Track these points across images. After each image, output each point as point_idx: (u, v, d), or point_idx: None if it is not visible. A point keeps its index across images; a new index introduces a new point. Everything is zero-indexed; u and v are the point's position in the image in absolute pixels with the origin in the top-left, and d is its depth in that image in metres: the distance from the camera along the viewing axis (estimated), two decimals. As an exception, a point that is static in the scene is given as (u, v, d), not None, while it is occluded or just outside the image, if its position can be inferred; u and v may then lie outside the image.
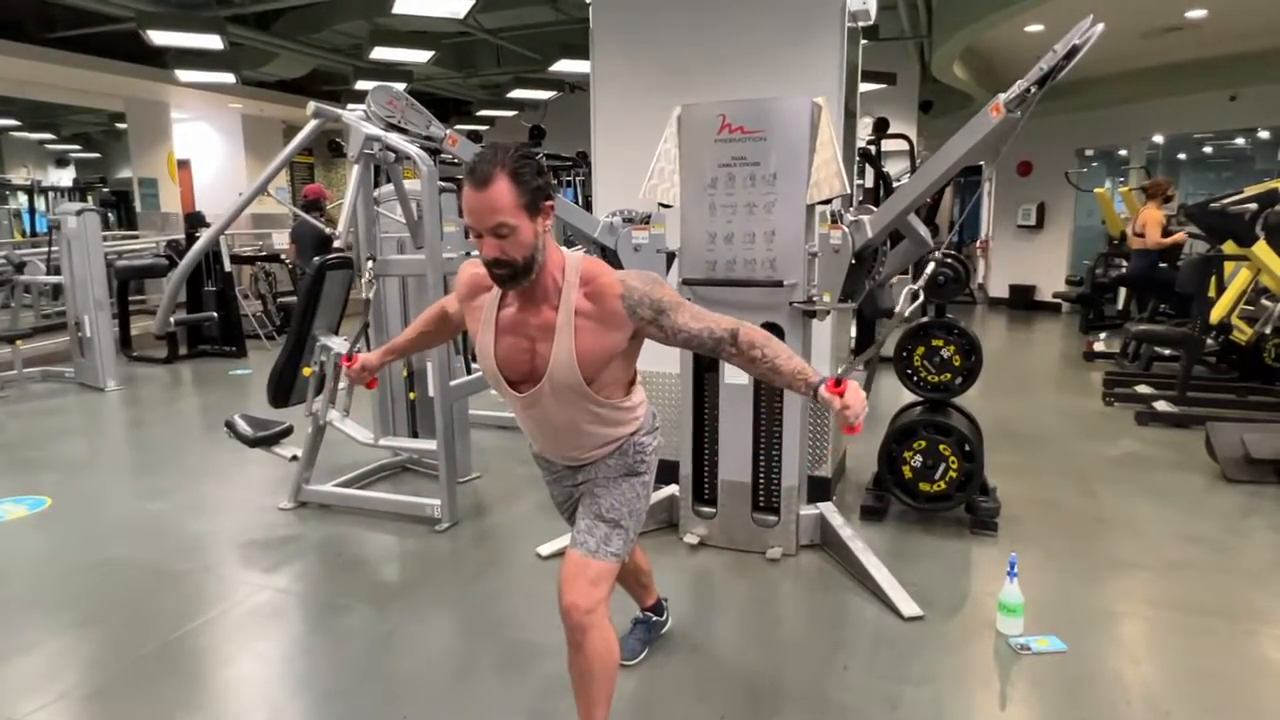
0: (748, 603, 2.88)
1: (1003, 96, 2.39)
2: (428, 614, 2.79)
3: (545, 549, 3.19)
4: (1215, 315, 5.18)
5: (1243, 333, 5.42)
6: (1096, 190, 8.90)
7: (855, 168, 4.03)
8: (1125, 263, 7.99)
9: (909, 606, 2.69)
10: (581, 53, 6.83)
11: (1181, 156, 10.65)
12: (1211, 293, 5.28)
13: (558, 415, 1.79)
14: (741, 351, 1.69)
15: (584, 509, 1.88)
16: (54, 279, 6.82)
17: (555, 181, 9.76)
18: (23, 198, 13.73)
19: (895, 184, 6.60)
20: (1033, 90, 2.32)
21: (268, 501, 3.81)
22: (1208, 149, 10.78)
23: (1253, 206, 5.09)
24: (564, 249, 1.75)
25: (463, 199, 1.61)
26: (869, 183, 6.78)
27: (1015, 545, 3.09)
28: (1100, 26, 2.16)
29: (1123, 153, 10.31)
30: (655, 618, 2.51)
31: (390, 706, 2.25)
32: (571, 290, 1.68)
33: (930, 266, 2.20)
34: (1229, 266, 5.33)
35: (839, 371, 1.62)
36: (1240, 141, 10.20)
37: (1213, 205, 5.33)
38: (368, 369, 2.17)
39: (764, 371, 1.70)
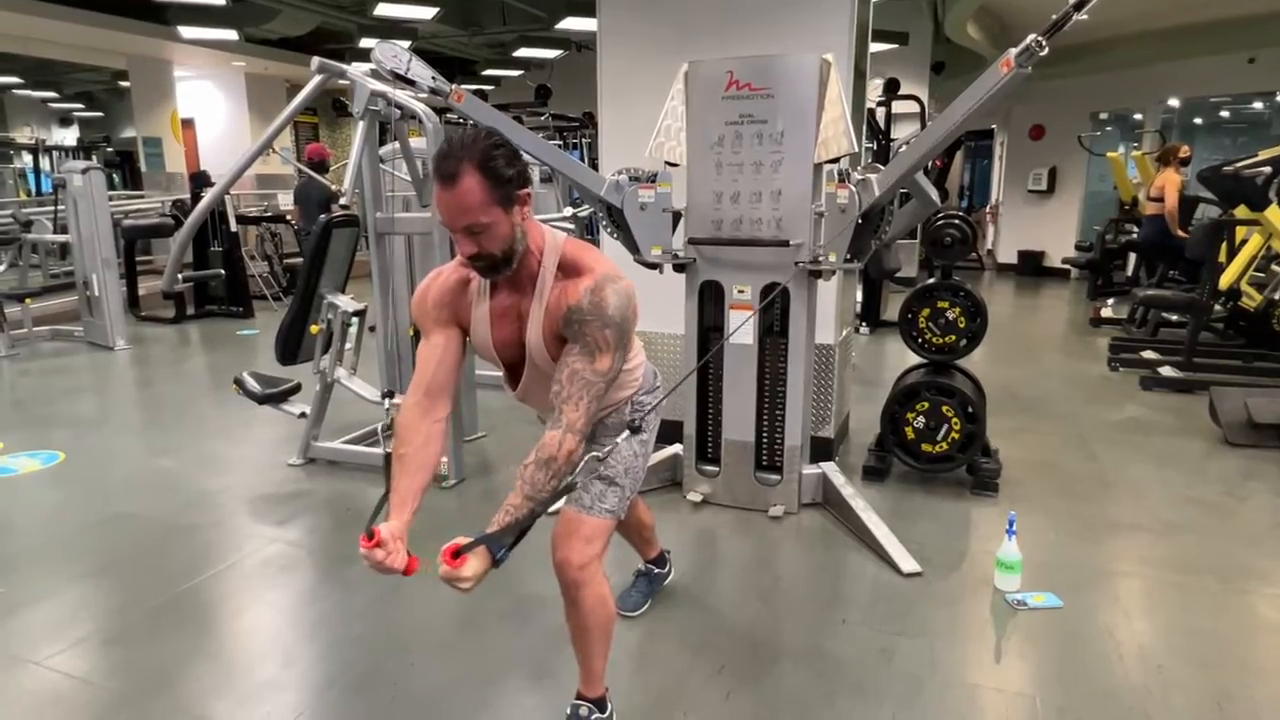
0: (749, 559, 2.93)
1: (1013, 51, 2.36)
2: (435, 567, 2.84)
3: (552, 504, 3.23)
4: (1225, 281, 5.15)
5: (1252, 299, 5.40)
6: (1109, 155, 8.79)
7: (864, 129, 3.99)
8: (1136, 228, 7.93)
9: (908, 563, 2.73)
10: (588, 10, 6.72)
11: (1198, 120, 10.47)
12: (1222, 258, 5.25)
13: (548, 391, 1.75)
14: (540, 446, 1.58)
15: (582, 465, 1.89)
16: (61, 238, 6.84)
17: (561, 143, 9.60)
18: (27, 157, 13.69)
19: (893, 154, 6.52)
20: (1041, 41, 2.29)
21: (277, 458, 3.86)
22: (1224, 113, 10.59)
23: (1267, 170, 5.04)
24: (544, 227, 1.69)
25: (434, 199, 1.52)
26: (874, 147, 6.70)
27: (1015, 506, 3.12)
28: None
29: (1137, 116, 10.15)
30: (657, 570, 2.56)
31: (398, 654, 2.31)
32: (548, 278, 1.64)
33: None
34: (1240, 232, 5.29)
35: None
36: (1259, 105, 10.01)
37: (1226, 169, 5.27)
38: (397, 538, 1.53)
39: (520, 469, 1.58)
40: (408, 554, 1.53)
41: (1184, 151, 6.86)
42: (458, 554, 1.44)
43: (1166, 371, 5.15)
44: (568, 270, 1.64)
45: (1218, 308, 5.67)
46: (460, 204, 1.47)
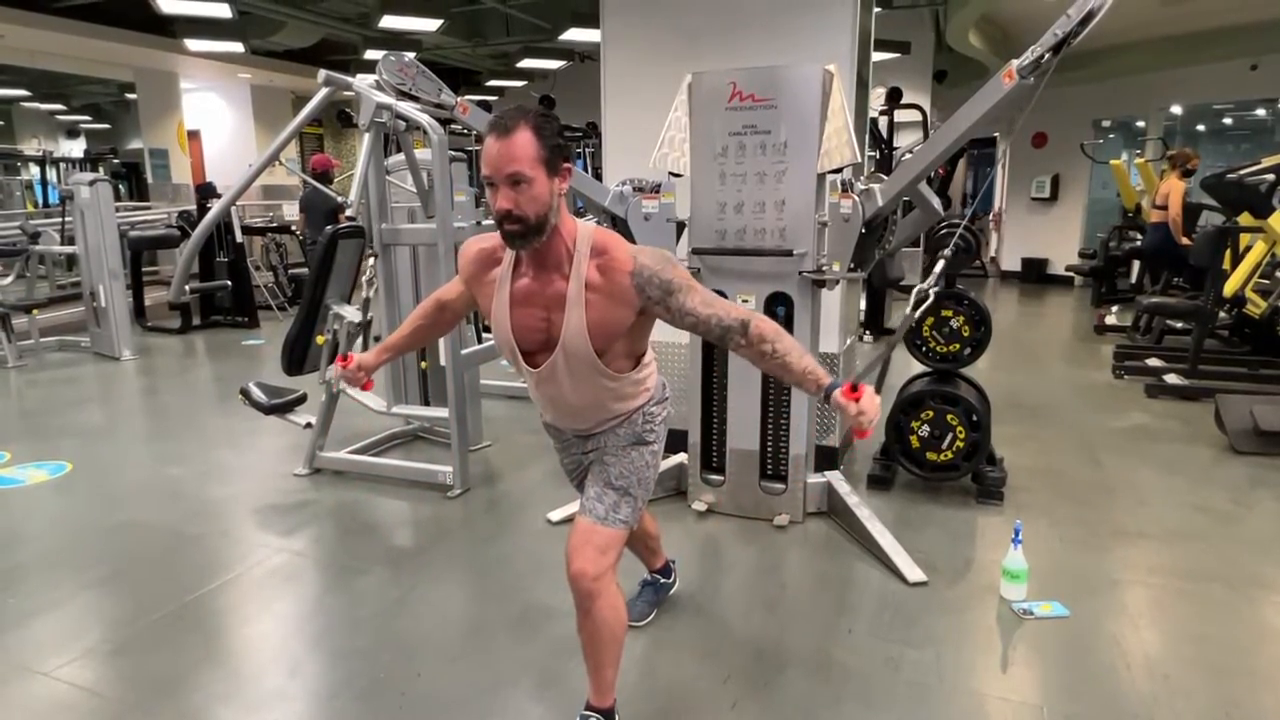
0: (754, 568, 2.93)
1: (1016, 63, 2.38)
2: (441, 577, 2.85)
3: (555, 515, 3.24)
4: (1229, 288, 5.14)
5: (1256, 306, 5.39)
6: (1111, 162, 8.80)
7: (867, 139, 4.01)
8: (1139, 236, 7.93)
9: (913, 572, 2.73)
10: (591, 21, 6.76)
11: (1200, 127, 10.48)
12: (1226, 265, 5.24)
13: (571, 388, 1.79)
14: (751, 344, 1.67)
15: (593, 476, 1.90)
16: (68, 249, 6.88)
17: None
18: (34, 169, 13.76)
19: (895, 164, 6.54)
20: (1047, 57, 2.30)
21: (283, 468, 3.87)
22: (1227, 120, 10.60)
23: (1270, 177, 5.04)
24: (576, 219, 1.75)
25: (483, 151, 1.60)
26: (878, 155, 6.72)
27: (1021, 514, 3.12)
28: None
29: (1140, 124, 10.16)
30: (663, 580, 2.56)
31: (405, 664, 2.31)
32: (583, 261, 1.68)
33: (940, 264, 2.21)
34: (1245, 238, 5.29)
35: (855, 376, 1.61)
36: (1261, 112, 10.02)
37: (1229, 176, 5.27)
38: (364, 368, 2.05)
39: (773, 367, 1.68)
40: (367, 380, 2.08)
41: (1192, 162, 6.83)
42: (854, 387, 1.59)
43: (1171, 379, 5.14)
44: (599, 251, 1.69)
45: (1222, 315, 5.66)
46: (511, 152, 1.56)
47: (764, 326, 1.68)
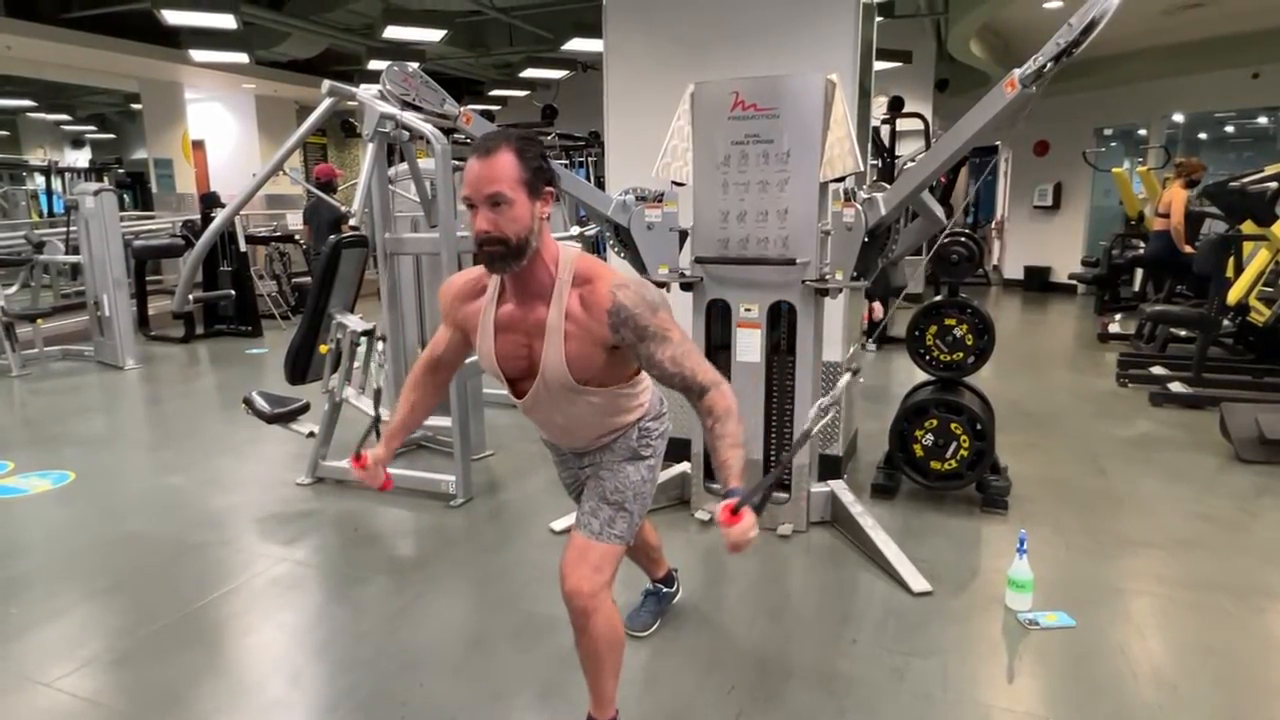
0: (758, 578, 2.91)
1: (1018, 72, 2.38)
2: (443, 587, 2.84)
3: (558, 524, 3.23)
4: (1233, 296, 5.13)
5: (1260, 314, 5.38)
6: (1114, 170, 8.80)
7: (869, 148, 4.02)
8: (1142, 244, 7.91)
9: (918, 582, 2.71)
10: (594, 31, 6.78)
11: (1202, 135, 10.49)
12: (1230, 273, 5.23)
13: (559, 413, 1.79)
14: (700, 410, 1.67)
15: (589, 491, 1.89)
16: (73, 258, 6.90)
17: (568, 162, 9.67)
18: (40, 178, 13.84)
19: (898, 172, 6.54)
20: (1049, 66, 2.31)
21: (285, 477, 3.87)
22: (1229, 128, 10.61)
23: (1273, 185, 5.03)
24: (560, 244, 1.72)
25: (465, 172, 1.59)
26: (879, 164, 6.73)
27: (1025, 523, 3.11)
28: (1118, 1, 2.14)
29: (1142, 132, 10.17)
30: (665, 589, 2.55)
31: (407, 674, 2.30)
32: (565, 287, 1.65)
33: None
34: (1248, 247, 5.28)
35: (739, 499, 1.49)
36: (1263, 120, 10.03)
37: (1232, 184, 5.27)
38: (380, 463, 1.89)
39: (707, 439, 1.67)
40: (386, 476, 1.92)
41: (1197, 173, 6.80)
42: (734, 511, 1.49)
43: (1176, 387, 5.13)
44: (581, 280, 1.66)
45: (1226, 323, 5.65)
46: (491, 173, 1.55)
47: (718, 402, 1.65)
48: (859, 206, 2.86)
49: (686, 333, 1.71)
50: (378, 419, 1.92)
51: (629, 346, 1.65)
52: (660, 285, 3.13)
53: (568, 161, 9.42)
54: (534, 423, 1.90)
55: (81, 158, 17.59)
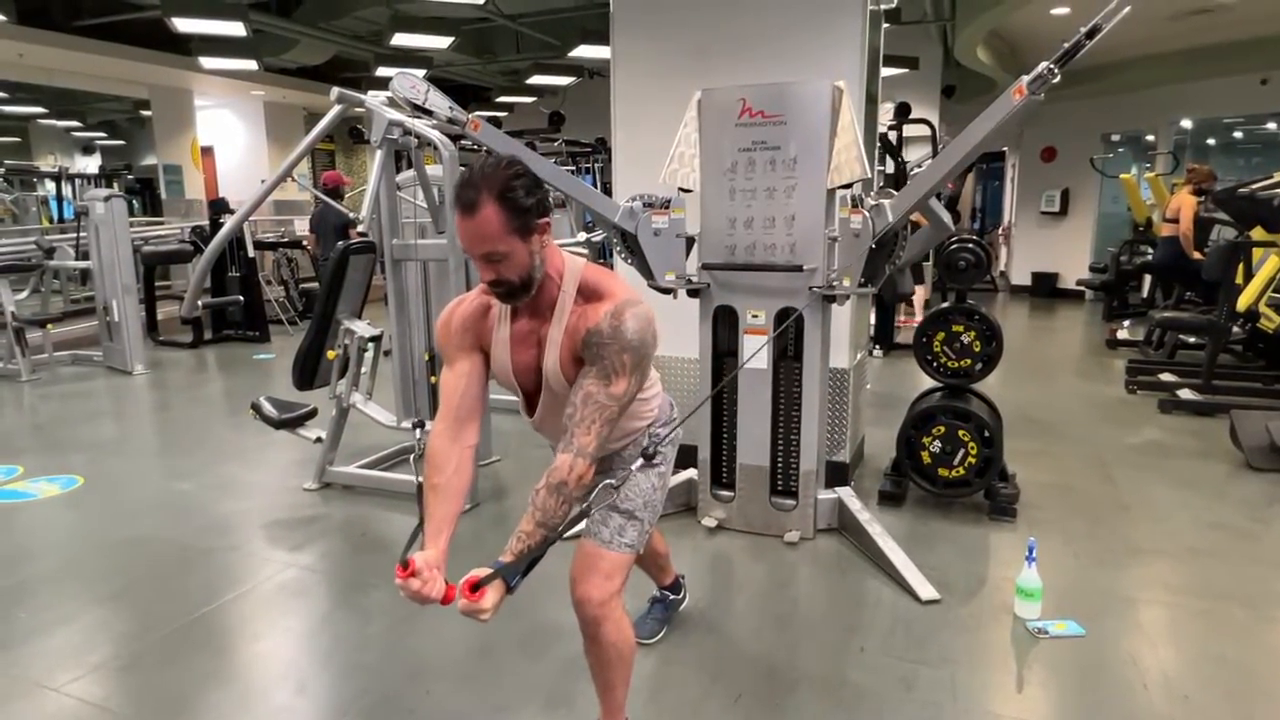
0: (765, 585, 2.90)
1: (1026, 78, 2.38)
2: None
3: (565, 531, 3.22)
4: (1243, 302, 5.11)
5: (1270, 320, 5.35)
6: (1122, 176, 8.77)
7: (876, 154, 4.01)
8: (1150, 250, 7.89)
9: (926, 590, 2.70)
10: (601, 38, 6.80)
11: (1210, 141, 10.46)
12: (1239, 280, 5.21)
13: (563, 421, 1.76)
14: (551, 463, 1.59)
15: (599, 498, 1.88)
16: (82, 264, 6.94)
17: (575, 168, 9.67)
18: (50, 184, 13.93)
19: (911, 175, 6.54)
20: (1053, 69, 2.30)
21: (292, 482, 3.88)
22: (1237, 134, 10.57)
23: (1282, 192, 5.01)
24: (564, 253, 1.70)
25: (455, 226, 1.55)
26: (890, 169, 6.73)
27: (1034, 531, 3.09)
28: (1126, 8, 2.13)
29: (1150, 138, 10.14)
30: (672, 596, 2.54)
31: (414, 681, 2.30)
32: (568, 300, 1.64)
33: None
34: (1257, 253, 5.26)
35: (501, 568, 1.46)
36: (1271, 126, 9.99)
37: (1241, 190, 5.25)
38: (431, 566, 1.50)
39: (531, 496, 1.59)
40: (445, 582, 1.50)
41: (1207, 182, 6.76)
42: (475, 587, 1.44)
43: (1185, 394, 5.10)
44: (588, 295, 1.64)
45: (1236, 330, 5.62)
46: (479, 232, 1.50)
47: (563, 466, 1.56)
48: (867, 213, 2.85)
49: (629, 399, 1.62)
50: (420, 522, 1.57)
51: (584, 361, 1.61)
52: (666, 291, 3.13)
53: (574, 168, 9.44)
54: (545, 436, 1.87)
55: (91, 164, 17.70)
